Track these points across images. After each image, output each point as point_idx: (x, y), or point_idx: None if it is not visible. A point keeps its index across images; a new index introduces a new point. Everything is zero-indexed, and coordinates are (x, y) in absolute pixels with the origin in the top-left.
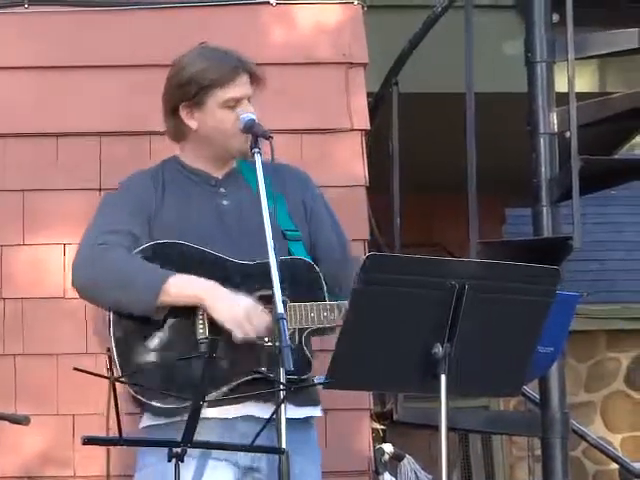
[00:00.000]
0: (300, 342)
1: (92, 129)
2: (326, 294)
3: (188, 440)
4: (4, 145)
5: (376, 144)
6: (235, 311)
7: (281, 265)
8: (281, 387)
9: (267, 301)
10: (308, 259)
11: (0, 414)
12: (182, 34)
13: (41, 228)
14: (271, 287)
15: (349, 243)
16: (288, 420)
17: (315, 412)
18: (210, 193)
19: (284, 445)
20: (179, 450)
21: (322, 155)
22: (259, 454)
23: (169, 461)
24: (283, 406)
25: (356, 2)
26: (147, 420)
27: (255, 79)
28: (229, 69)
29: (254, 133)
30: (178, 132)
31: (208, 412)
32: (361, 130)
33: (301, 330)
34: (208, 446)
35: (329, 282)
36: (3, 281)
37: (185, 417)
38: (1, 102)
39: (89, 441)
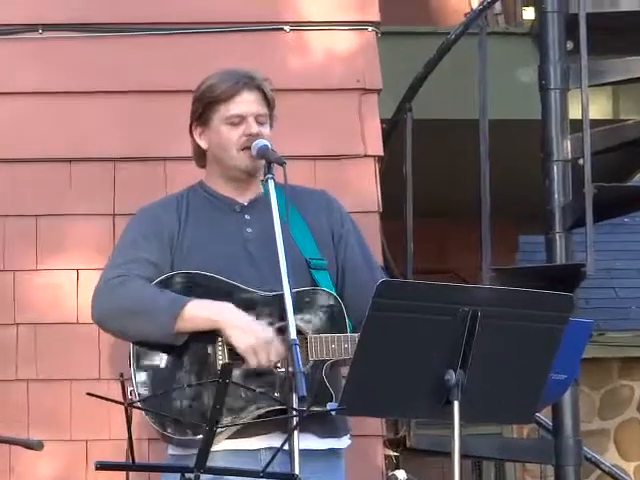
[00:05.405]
0: (321, 374)
1: (106, 154)
2: (348, 325)
3: (201, 466)
4: (18, 170)
5: (389, 170)
6: (250, 337)
7: (303, 296)
8: (293, 413)
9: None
10: (332, 289)
11: (13, 439)
12: (196, 60)
13: (54, 253)
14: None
15: (379, 269)
16: (311, 451)
17: (338, 444)
18: (235, 220)
19: (297, 471)
20: (192, 476)
21: (335, 181)
22: None
23: None
24: (296, 432)
25: (370, 28)
26: (170, 449)
27: (266, 98)
28: (232, 84)
29: (267, 159)
30: (197, 155)
31: (231, 444)
32: (374, 156)
33: (323, 362)
34: (221, 472)
35: (357, 310)
36: (17, 306)
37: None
38: (15, 127)
39: (102, 467)
